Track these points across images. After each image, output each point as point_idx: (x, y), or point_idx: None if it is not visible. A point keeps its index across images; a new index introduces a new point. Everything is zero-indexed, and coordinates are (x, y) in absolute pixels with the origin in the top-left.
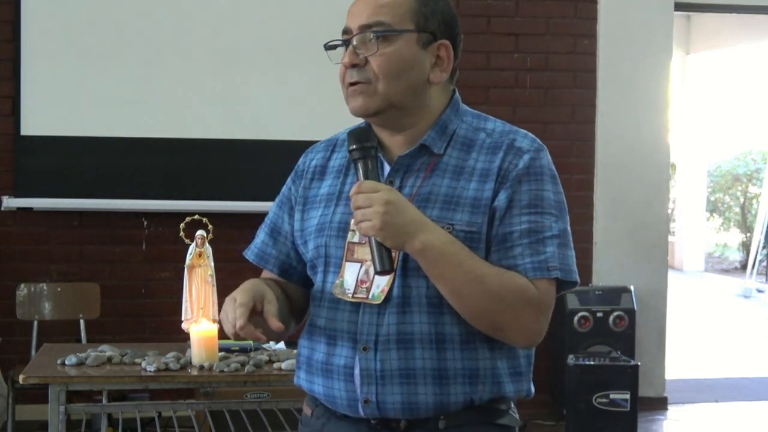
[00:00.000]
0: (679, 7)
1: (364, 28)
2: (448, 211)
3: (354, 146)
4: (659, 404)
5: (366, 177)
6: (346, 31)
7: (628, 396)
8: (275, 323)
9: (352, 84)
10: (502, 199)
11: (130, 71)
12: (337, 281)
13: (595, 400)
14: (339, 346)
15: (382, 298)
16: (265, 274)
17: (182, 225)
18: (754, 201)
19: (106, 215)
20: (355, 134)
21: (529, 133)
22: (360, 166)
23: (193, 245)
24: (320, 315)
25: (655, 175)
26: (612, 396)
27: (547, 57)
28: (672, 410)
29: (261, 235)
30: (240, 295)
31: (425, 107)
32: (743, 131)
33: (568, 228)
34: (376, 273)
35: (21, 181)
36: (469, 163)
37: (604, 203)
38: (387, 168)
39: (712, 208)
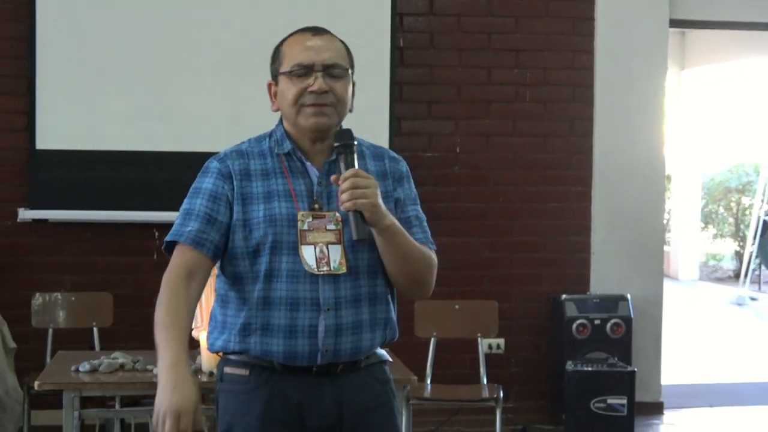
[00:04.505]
0: (674, 23)
1: (329, 66)
2: None
3: (339, 143)
4: (655, 409)
5: (349, 166)
6: (308, 65)
7: (625, 401)
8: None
9: (317, 105)
10: (400, 194)
11: (140, 87)
12: (301, 260)
13: (593, 405)
14: (302, 311)
15: (343, 269)
16: (185, 254)
17: None
18: (747, 212)
19: (118, 227)
20: (344, 133)
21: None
22: (345, 157)
23: None
24: (278, 288)
25: (651, 186)
26: (610, 401)
27: (546, 72)
28: (668, 415)
29: (193, 224)
30: (184, 417)
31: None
32: (736, 144)
33: None
34: (355, 241)
35: (36, 194)
36: (369, 167)
37: (602, 214)
38: (314, 171)
39: (707, 218)
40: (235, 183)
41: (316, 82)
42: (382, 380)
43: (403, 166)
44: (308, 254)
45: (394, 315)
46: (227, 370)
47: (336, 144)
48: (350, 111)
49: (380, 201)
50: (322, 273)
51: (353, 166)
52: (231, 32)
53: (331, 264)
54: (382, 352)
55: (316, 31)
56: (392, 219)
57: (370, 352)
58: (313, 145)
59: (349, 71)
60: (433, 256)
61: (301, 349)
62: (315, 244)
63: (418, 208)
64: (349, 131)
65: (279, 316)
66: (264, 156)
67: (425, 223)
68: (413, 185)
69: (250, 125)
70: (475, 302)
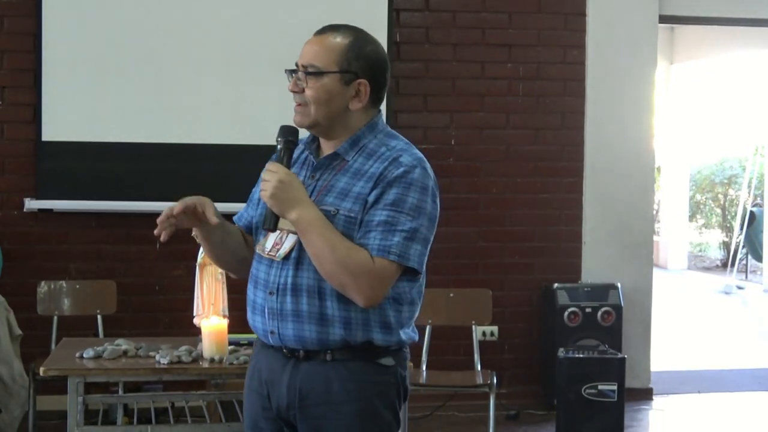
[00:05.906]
0: (663, 19)
1: (303, 67)
2: (338, 200)
3: (280, 138)
4: (645, 395)
5: (278, 161)
6: (296, 64)
7: (615, 387)
8: (212, 217)
9: (296, 104)
10: (372, 196)
11: (144, 80)
12: (262, 241)
13: (585, 390)
14: (259, 290)
15: (283, 256)
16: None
17: None
18: (734, 203)
19: (122, 216)
20: (284, 129)
21: (418, 154)
22: (278, 152)
23: None
24: (254, 265)
25: (640, 178)
26: (600, 387)
27: (539, 67)
28: (657, 400)
29: (246, 204)
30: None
31: (346, 125)
32: (723, 137)
33: (422, 229)
34: (263, 229)
35: (42, 184)
36: (365, 168)
37: (593, 205)
38: (315, 163)
39: (695, 209)
40: None
41: (290, 83)
42: (357, 380)
43: (398, 171)
44: (271, 238)
45: (373, 315)
46: None
47: (278, 138)
48: (351, 110)
49: (281, 195)
50: (267, 256)
51: (282, 162)
52: (233, 27)
53: (280, 251)
54: (378, 351)
55: (321, 31)
56: (300, 214)
57: (326, 347)
58: (324, 140)
59: (331, 71)
60: (371, 263)
61: (258, 326)
62: (281, 230)
63: (398, 216)
64: (290, 128)
65: (250, 291)
66: (307, 144)
67: (397, 232)
68: (407, 192)
69: (252, 118)
70: (469, 290)
